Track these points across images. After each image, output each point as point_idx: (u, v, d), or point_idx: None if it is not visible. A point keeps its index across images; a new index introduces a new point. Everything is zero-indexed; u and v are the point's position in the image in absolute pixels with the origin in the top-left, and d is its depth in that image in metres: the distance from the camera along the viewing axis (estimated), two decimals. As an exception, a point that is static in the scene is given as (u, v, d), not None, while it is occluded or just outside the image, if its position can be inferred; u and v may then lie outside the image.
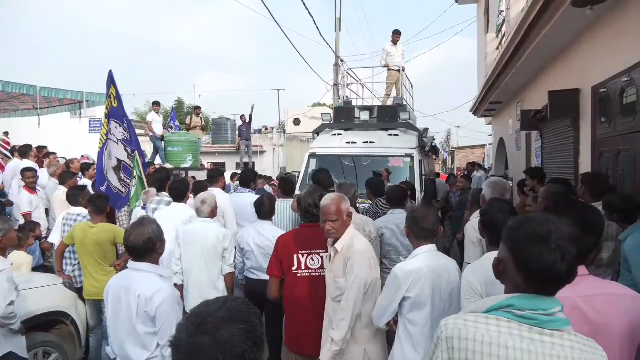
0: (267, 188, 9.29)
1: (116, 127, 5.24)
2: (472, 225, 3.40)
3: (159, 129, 10.50)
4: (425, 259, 2.47)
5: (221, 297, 1.13)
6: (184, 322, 1.06)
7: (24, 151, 6.85)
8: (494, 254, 1.42)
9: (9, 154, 8.35)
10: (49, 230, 5.63)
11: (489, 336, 1.23)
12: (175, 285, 3.42)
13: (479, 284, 2.19)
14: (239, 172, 10.19)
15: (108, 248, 4.04)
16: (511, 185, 7.74)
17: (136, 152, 5.29)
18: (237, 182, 7.57)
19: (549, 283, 1.26)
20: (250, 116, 15.11)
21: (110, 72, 5.33)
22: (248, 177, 5.74)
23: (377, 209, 4.66)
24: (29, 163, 6.57)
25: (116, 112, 5.26)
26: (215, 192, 4.70)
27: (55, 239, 4.77)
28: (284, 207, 4.88)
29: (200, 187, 4.93)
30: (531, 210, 4.74)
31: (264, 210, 4.18)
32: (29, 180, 5.80)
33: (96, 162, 5.78)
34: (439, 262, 2.49)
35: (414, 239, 2.57)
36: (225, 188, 6.03)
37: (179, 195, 4.47)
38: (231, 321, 1.04)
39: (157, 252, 2.54)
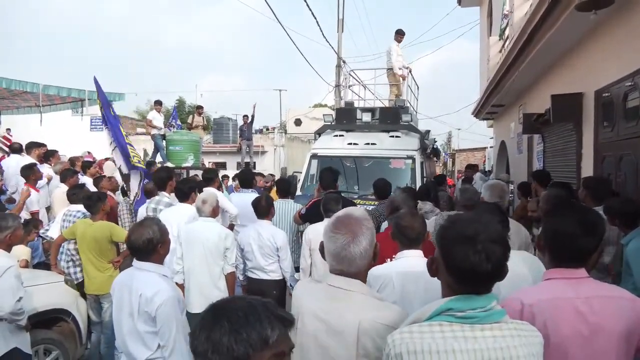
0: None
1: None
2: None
3: (159, 126, 10.59)
4: (401, 264, 2.42)
5: (248, 296, 1.12)
6: (210, 308, 1.07)
7: (27, 147, 6.86)
8: None
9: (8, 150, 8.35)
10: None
11: (436, 344, 1.25)
12: (177, 284, 3.43)
13: None
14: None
15: (105, 245, 4.07)
16: (512, 187, 7.78)
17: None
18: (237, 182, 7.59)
19: (478, 282, 1.30)
20: (253, 116, 15.15)
21: (95, 79, 5.66)
22: (248, 177, 5.75)
23: (382, 210, 4.68)
24: (29, 159, 6.56)
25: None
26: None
27: (54, 233, 4.80)
28: (283, 207, 4.88)
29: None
30: (534, 214, 4.75)
31: (261, 208, 4.19)
32: (34, 177, 5.85)
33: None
34: (417, 269, 2.37)
35: (399, 244, 2.53)
36: (220, 187, 6.06)
37: (182, 196, 4.48)
38: (251, 313, 1.03)
39: (159, 252, 2.55)
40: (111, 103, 5.74)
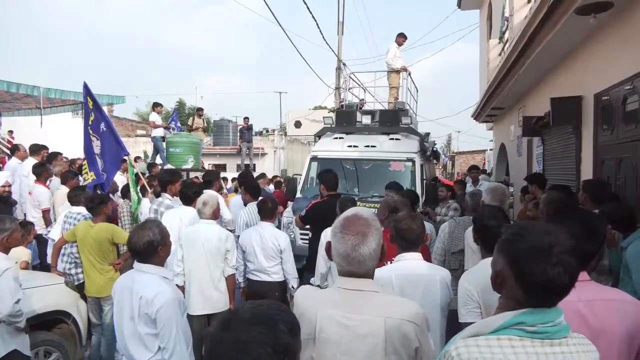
0: (269, 188, 9.27)
1: (96, 139, 5.46)
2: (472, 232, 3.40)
3: (159, 129, 10.62)
4: (401, 267, 2.43)
5: (260, 301, 1.14)
6: (220, 318, 1.10)
7: (34, 149, 6.88)
8: (489, 260, 1.41)
9: (9, 152, 8.35)
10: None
11: (507, 359, 1.20)
12: (177, 286, 3.43)
13: (476, 291, 2.19)
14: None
15: (106, 247, 4.07)
16: (511, 190, 7.78)
17: (127, 157, 5.60)
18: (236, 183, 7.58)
19: (552, 295, 1.25)
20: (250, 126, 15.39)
21: (85, 84, 5.49)
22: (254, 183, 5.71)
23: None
24: (33, 161, 6.58)
25: (94, 125, 5.46)
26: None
27: (55, 235, 4.80)
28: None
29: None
30: (531, 215, 4.76)
31: (266, 210, 4.20)
32: (46, 175, 5.93)
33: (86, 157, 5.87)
34: (417, 272, 2.43)
35: (398, 247, 2.54)
36: (221, 190, 6.03)
37: (187, 199, 4.48)
38: (253, 323, 1.04)
39: (160, 254, 2.55)
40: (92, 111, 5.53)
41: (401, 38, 9.59)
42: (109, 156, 5.50)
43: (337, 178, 4.84)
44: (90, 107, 5.45)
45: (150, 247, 2.49)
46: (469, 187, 7.81)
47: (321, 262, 3.91)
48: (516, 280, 1.26)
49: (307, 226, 4.85)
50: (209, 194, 4.38)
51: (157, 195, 5.22)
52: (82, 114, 6.18)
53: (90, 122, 5.54)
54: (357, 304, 1.60)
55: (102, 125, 5.44)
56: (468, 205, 3.75)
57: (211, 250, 3.82)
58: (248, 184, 5.49)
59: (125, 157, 5.81)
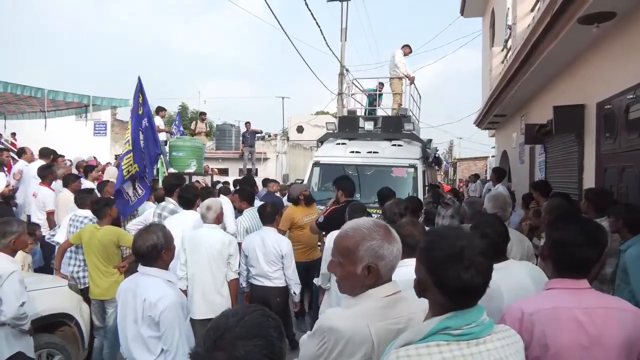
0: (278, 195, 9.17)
1: (141, 133, 5.56)
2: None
3: (162, 133, 10.69)
4: (402, 273, 2.42)
5: (241, 309, 1.11)
6: (203, 335, 1.05)
7: (43, 153, 6.94)
8: None
9: (15, 156, 8.40)
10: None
11: None
12: (180, 290, 3.45)
13: None
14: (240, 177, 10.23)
15: (112, 250, 4.08)
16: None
17: (161, 156, 5.73)
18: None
19: (470, 297, 1.31)
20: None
21: (139, 78, 5.64)
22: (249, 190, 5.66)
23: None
24: (40, 163, 6.63)
25: (141, 119, 5.57)
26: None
27: (61, 238, 4.81)
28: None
29: (206, 193, 4.97)
30: (532, 223, 4.77)
31: (266, 215, 4.22)
32: (51, 177, 5.98)
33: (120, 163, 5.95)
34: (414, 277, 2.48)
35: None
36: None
37: (187, 203, 4.50)
38: (247, 337, 1.01)
39: (163, 258, 2.57)
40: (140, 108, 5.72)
41: (407, 48, 9.64)
42: (149, 151, 5.66)
43: (354, 185, 4.85)
44: (140, 102, 5.57)
45: (154, 250, 2.52)
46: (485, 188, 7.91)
47: (324, 264, 3.94)
48: (435, 286, 1.32)
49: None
50: (213, 198, 4.40)
51: (159, 199, 5.23)
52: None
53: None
54: (400, 306, 1.61)
55: (145, 121, 5.58)
56: (467, 213, 3.77)
57: (214, 254, 3.84)
58: (244, 191, 5.48)
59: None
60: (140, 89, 5.56)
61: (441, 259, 1.30)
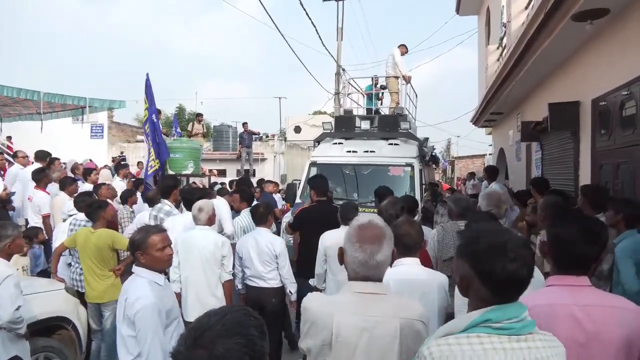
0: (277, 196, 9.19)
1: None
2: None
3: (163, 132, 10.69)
4: (399, 272, 2.45)
5: (224, 308, 1.11)
6: (185, 334, 1.05)
7: (40, 156, 6.92)
8: None
9: (11, 159, 8.38)
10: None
11: (476, 356, 1.26)
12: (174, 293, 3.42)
13: None
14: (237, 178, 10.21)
15: (107, 253, 4.06)
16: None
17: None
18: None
19: (514, 291, 1.32)
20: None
21: (147, 76, 5.74)
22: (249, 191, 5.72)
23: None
24: (37, 166, 6.61)
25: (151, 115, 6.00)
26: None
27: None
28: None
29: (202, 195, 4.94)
30: (529, 220, 4.77)
31: (259, 215, 4.22)
32: (46, 181, 5.97)
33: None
34: (415, 277, 2.47)
35: (395, 251, 2.57)
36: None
37: (190, 204, 4.48)
38: (228, 335, 1.01)
39: (138, 258, 2.56)
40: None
41: (403, 48, 9.64)
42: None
43: (327, 184, 4.85)
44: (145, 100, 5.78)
45: (132, 247, 2.54)
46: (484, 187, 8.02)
47: (319, 264, 3.96)
48: (480, 280, 1.32)
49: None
50: (205, 200, 4.39)
51: (150, 201, 5.17)
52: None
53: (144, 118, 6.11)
54: (374, 306, 1.65)
55: (153, 117, 6.03)
56: (453, 211, 3.78)
57: (207, 256, 3.81)
58: (245, 192, 5.49)
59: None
60: (148, 87, 5.74)
61: (487, 251, 1.31)
